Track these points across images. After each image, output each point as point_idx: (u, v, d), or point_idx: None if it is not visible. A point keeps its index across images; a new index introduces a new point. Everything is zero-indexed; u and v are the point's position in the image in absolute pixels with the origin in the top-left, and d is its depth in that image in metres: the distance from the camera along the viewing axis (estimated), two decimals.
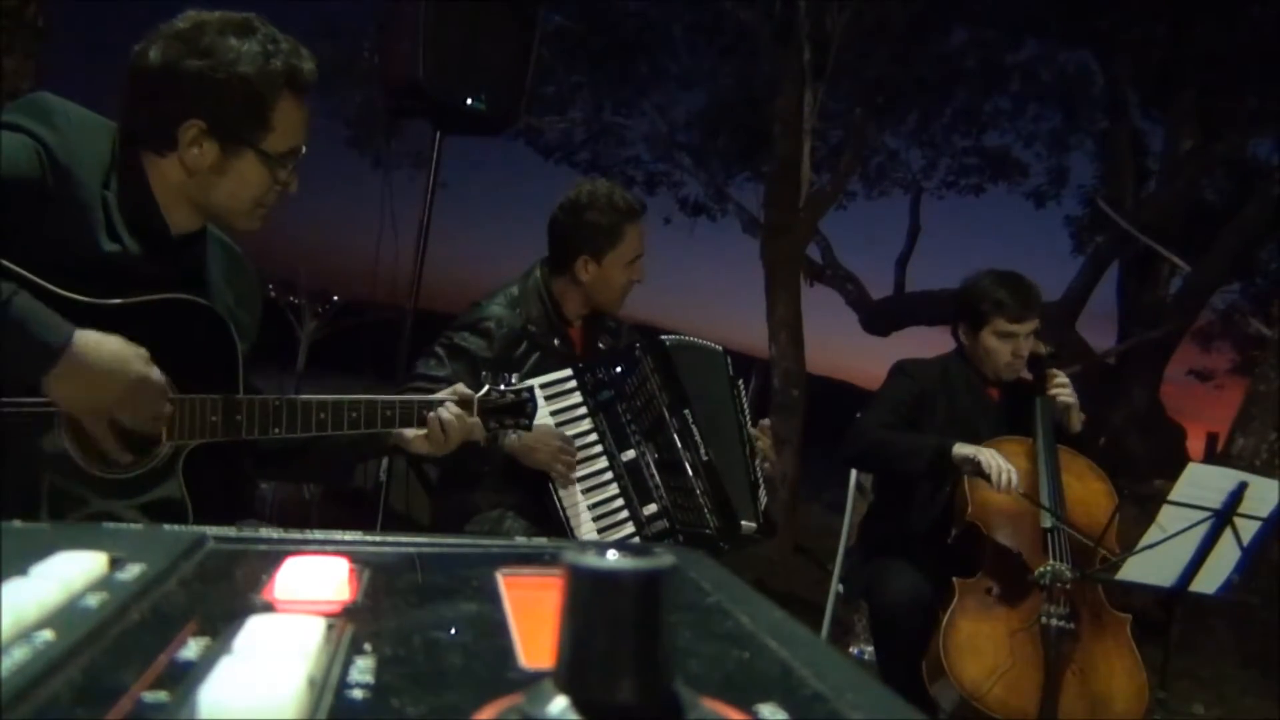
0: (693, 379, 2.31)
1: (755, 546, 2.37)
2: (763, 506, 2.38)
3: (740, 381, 2.43)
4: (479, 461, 2.16)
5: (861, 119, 7.74)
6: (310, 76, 1.53)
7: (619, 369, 2.28)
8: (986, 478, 2.37)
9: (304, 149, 1.57)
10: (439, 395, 1.74)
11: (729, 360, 2.44)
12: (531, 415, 1.87)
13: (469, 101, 2.87)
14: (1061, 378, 2.67)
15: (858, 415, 2.97)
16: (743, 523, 2.24)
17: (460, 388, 1.79)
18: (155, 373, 1.40)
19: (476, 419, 1.77)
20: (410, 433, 1.75)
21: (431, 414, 1.71)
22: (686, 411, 2.25)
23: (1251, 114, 7.25)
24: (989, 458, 2.38)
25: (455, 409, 1.72)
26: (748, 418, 2.42)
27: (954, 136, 9.16)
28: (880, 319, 9.24)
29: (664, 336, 2.35)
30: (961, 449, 2.44)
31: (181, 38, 1.44)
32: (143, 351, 1.38)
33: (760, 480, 2.39)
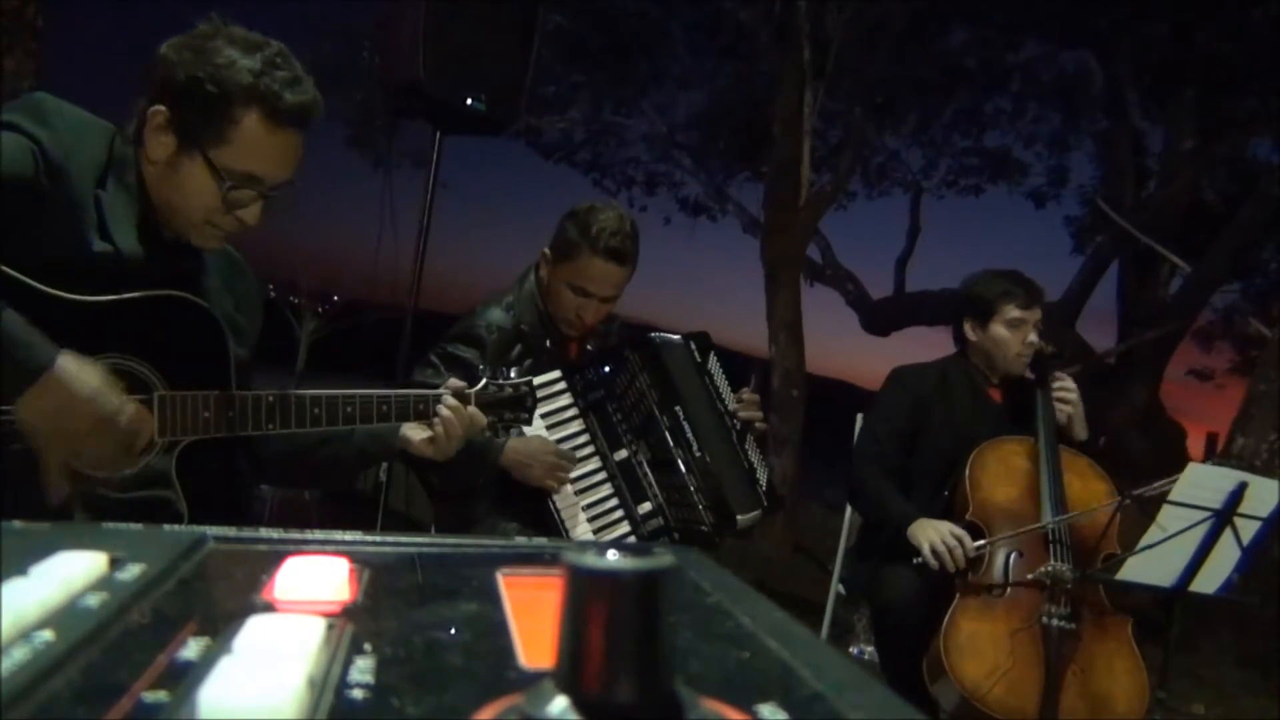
0: (684, 376, 2.30)
1: (755, 545, 2.37)
2: (764, 487, 2.37)
3: (709, 366, 2.38)
4: (476, 467, 2.14)
5: (861, 119, 7.74)
6: (288, 107, 1.47)
7: (608, 369, 2.27)
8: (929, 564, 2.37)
9: (287, 181, 1.53)
10: (436, 392, 1.74)
11: (693, 346, 2.39)
12: (531, 409, 1.87)
13: (469, 101, 2.87)
14: (1066, 383, 2.66)
15: (858, 421, 2.97)
16: (741, 516, 2.24)
17: (454, 381, 1.79)
18: (130, 408, 1.35)
19: (476, 409, 1.76)
20: (415, 434, 1.75)
21: (434, 415, 1.71)
22: (677, 409, 2.24)
23: (1251, 114, 7.25)
24: (931, 548, 2.37)
25: (453, 401, 1.72)
26: (727, 401, 2.39)
27: (954, 136, 9.18)
28: (880, 319, 9.24)
29: (653, 335, 2.34)
30: (914, 534, 2.43)
31: (191, 36, 1.47)
32: (119, 393, 1.34)
33: (756, 463, 2.38)
